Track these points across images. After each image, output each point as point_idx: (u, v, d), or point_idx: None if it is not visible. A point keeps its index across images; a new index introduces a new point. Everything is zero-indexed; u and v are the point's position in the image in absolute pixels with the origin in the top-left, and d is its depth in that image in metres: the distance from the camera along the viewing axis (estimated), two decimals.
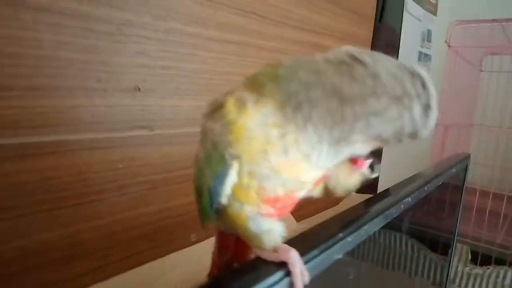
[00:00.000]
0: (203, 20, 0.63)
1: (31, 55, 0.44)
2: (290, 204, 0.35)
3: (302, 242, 0.38)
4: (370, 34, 1.19)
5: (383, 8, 1.27)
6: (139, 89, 0.56)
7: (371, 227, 0.48)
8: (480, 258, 1.41)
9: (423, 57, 1.84)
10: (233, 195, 0.31)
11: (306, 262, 0.35)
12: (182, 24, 0.60)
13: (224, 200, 0.31)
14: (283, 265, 0.33)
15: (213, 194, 0.32)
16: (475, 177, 1.72)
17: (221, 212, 0.35)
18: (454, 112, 1.58)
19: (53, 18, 0.46)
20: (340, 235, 0.41)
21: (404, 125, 0.28)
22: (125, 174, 0.57)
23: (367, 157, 0.36)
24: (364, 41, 1.18)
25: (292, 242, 0.36)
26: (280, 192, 0.31)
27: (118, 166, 0.55)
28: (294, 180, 0.31)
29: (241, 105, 0.29)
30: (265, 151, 0.28)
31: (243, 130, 0.28)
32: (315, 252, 0.36)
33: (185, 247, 0.69)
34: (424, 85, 0.28)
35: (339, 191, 0.39)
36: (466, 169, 1.11)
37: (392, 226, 1.04)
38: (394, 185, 0.67)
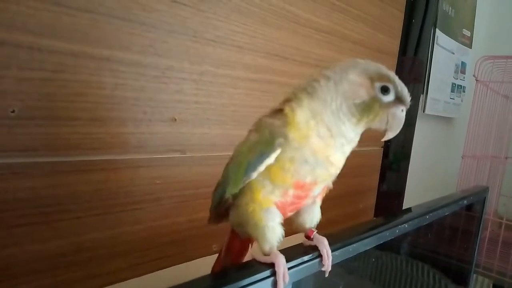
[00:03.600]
0: (232, 63, 0.76)
1: (94, 94, 0.58)
2: (304, 197, 0.45)
3: (290, 251, 0.48)
4: (393, 68, 1.27)
5: (407, 43, 1.35)
6: (175, 119, 0.68)
7: (360, 246, 0.57)
8: None
9: (457, 88, 1.87)
10: (271, 178, 0.43)
11: (291, 268, 0.45)
12: (214, 67, 0.73)
13: (254, 175, 0.43)
14: (271, 266, 0.43)
15: (250, 168, 0.43)
16: (506, 210, 1.70)
17: (241, 203, 0.45)
18: (484, 144, 1.59)
19: (112, 65, 0.59)
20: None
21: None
22: (161, 188, 0.69)
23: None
24: None
25: (285, 250, 0.47)
26: (308, 179, 0.43)
27: (156, 181, 0.68)
28: (325, 161, 0.42)
29: (292, 109, 0.43)
30: (308, 136, 0.41)
31: (296, 124, 0.42)
32: (298, 260, 0.46)
33: (207, 255, 0.79)
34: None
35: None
36: (484, 201, 1.14)
37: (415, 255, 1.09)
38: (394, 212, 0.74)
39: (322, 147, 0.42)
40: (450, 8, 1.69)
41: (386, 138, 0.44)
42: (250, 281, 0.41)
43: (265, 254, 0.44)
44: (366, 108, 0.42)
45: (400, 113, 0.43)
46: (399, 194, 1.46)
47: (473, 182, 1.52)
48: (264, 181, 0.43)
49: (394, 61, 1.27)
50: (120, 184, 0.63)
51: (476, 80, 1.50)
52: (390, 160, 1.40)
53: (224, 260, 0.56)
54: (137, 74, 0.62)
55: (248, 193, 0.44)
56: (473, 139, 1.54)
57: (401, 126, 0.43)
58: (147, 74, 0.63)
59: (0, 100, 0.50)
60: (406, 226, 0.69)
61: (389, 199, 1.39)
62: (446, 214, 0.86)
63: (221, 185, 0.49)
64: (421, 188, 1.62)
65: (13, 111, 0.51)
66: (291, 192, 0.43)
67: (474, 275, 1.36)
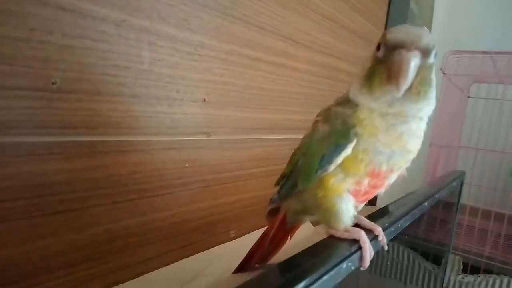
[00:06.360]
0: (254, 44, 0.74)
1: (134, 68, 0.54)
2: (379, 187, 0.44)
3: None
4: None
5: None
6: (204, 100, 0.65)
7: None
8: (470, 268, 1.52)
9: None
10: (343, 167, 0.40)
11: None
12: (239, 46, 0.70)
13: (331, 167, 0.40)
14: (355, 242, 0.42)
15: (325, 161, 0.40)
16: (464, 195, 1.84)
17: (309, 189, 0.43)
18: (447, 134, 1.71)
19: (151, 38, 0.55)
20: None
21: None
22: (189, 172, 0.65)
23: None
24: None
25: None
26: (384, 167, 0.40)
27: (185, 165, 0.64)
28: (402, 151, 0.40)
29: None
30: (375, 134, 0.39)
31: (361, 121, 0.39)
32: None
33: (225, 241, 0.77)
34: None
35: None
36: (461, 185, 1.23)
37: (394, 239, 1.13)
38: (396, 201, 0.75)
39: (393, 139, 0.39)
40: (415, 5, 1.79)
41: (396, 91, 0.36)
42: (341, 258, 0.40)
43: None
44: (370, 73, 0.38)
45: (397, 56, 0.35)
46: None
47: (441, 170, 1.63)
48: (335, 169, 0.41)
49: None
50: (154, 167, 0.59)
51: (443, 73, 1.59)
52: None
53: (268, 248, 0.54)
54: (172, 49, 0.58)
55: (318, 181, 0.42)
56: (439, 128, 1.65)
57: (402, 66, 0.34)
58: (181, 50, 0.60)
59: (42, 69, 0.44)
60: (426, 204, 0.72)
61: None
62: (444, 195, 0.92)
63: (291, 177, 0.46)
64: None
65: (54, 83, 0.45)
66: (366, 181, 0.41)
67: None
